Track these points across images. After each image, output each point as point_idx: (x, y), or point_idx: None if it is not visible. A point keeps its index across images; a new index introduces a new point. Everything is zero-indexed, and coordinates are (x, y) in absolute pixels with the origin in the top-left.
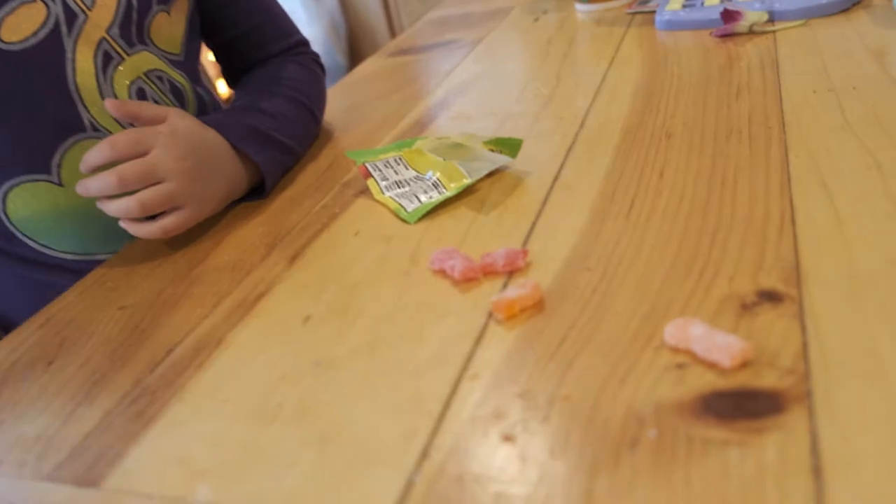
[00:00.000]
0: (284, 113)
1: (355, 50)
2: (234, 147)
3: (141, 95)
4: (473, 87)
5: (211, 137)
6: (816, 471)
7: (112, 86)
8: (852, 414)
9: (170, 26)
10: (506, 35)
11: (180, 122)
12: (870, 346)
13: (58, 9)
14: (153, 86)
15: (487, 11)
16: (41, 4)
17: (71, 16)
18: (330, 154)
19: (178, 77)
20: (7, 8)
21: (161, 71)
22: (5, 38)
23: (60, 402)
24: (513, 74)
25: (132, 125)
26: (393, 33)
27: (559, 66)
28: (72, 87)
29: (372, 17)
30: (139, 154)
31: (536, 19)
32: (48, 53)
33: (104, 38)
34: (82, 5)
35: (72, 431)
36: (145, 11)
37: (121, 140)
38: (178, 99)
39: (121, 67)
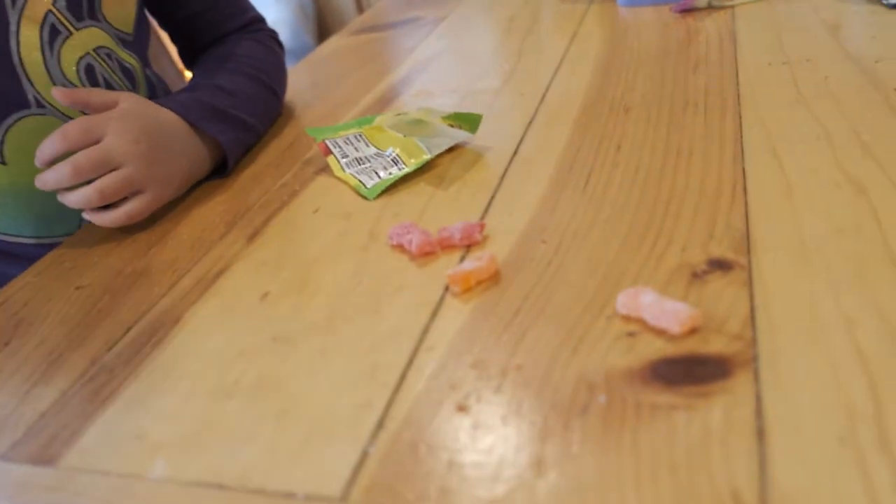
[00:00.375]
0: (244, 90)
1: (323, 30)
2: (194, 126)
3: (90, 72)
4: (436, 63)
5: (166, 118)
6: (760, 433)
7: (59, 61)
8: (795, 377)
9: (121, 3)
10: (470, 12)
11: (132, 105)
12: (814, 312)
13: None
14: (103, 63)
15: None
16: None
17: None
18: (291, 132)
19: (128, 58)
20: None
21: (110, 49)
22: None
23: (16, 382)
24: (475, 51)
25: (84, 113)
26: (361, 13)
27: (522, 42)
28: (15, 61)
29: None
30: (92, 142)
31: None
32: None
33: (50, 11)
34: None
35: (27, 411)
36: None
37: (72, 129)
38: (129, 80)
39: (69, 42)
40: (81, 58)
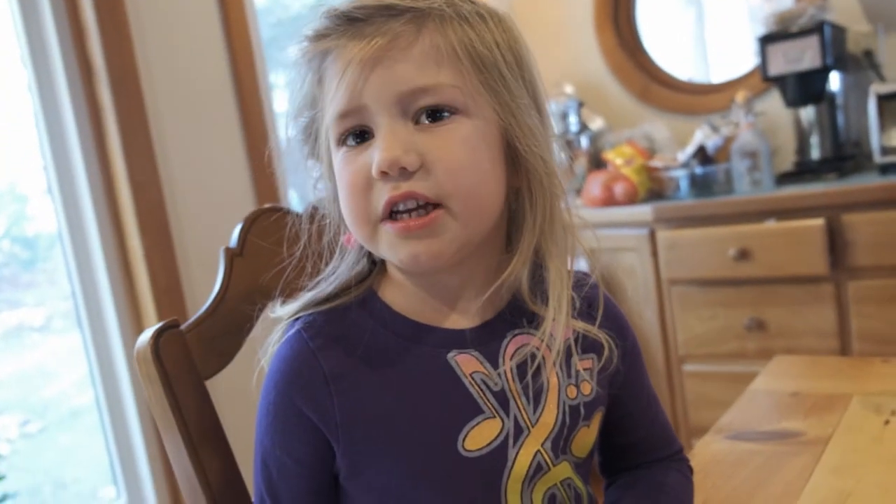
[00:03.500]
0: None
1: None
2: None
3: (552, 501)
4: None
5: None
6: None
7: (531, 491)
8: None
9: (585, 436)
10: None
11: None
12: None
13: (510, 424)
14: (563, 492)
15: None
16: (498, 420)
17: (518, 430)
18: None
19: (580, 484)
20: (474, 422)
21: (570, 479)
22: (467, 447)
23: None
24: None
25: None
26: None
27: None
28: (501, 489)
29: None
30: None
31: (886, 422)
32: (494, 460)
33: (539, 451)
34: (528, 422)
35: None
36: (574, 427)
37: None
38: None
39: (546, 476)
40: (549, 488)
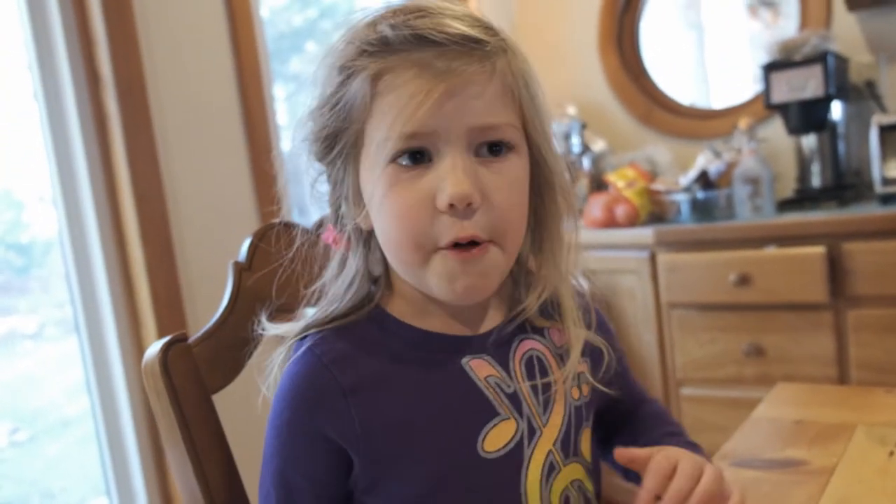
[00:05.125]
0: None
1: None
2: None
3: (566, 502)
4: None
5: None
6: None
7: (549, 491)
8: None
9: (588, 436)
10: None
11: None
12: None
13: (524, 425)
14: (575, 493)
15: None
16: (513, 421)
17: (531, 431)
18: None
19: (589, 486)
20: (492, 423)
21: (581, 480)
22: (486, 448)
23: None
24: None
25: None
26: None
27: None
28: (522, 490)
29: None
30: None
31: (891, 453)
32: (512, 460)
33: (551, 451)
34: (540, 423)
35: None
36: (579, 427)
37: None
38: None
39: (559, 476)
40: (563, 489)
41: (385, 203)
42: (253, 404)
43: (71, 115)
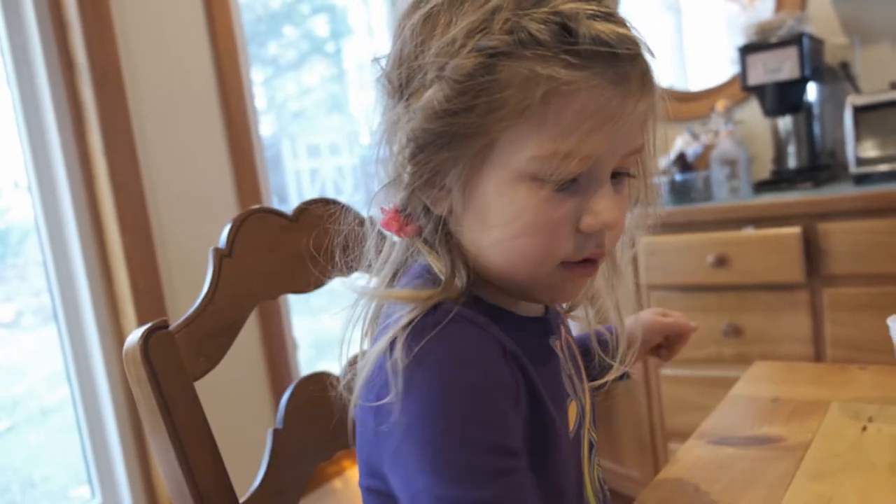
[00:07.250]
0: None
1: None
2: None
3: (601, 483)
4: None
5: None
6: None
7: (593, 469)
8: None
9: None
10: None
11: None
12: None
13: (579, 405)
14: (601, 472)
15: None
16: (575, 402)
17: (581, 410)
18: None
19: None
20: (567, 402)
21: (600, 458)
22: (569, 427)
23: None
24: None
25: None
26: None
27: None
28: (583, 469)
29: None
30: None
31: (864, 428)
32: (579, 439)
33: (591, 430)
34: (585, 403)
35: None
36: (594, 408)
37: None
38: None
39: (595, 455)
40: (597, 467)
41: (523, 216)
42: (235, 390)
43: (45, 102)
